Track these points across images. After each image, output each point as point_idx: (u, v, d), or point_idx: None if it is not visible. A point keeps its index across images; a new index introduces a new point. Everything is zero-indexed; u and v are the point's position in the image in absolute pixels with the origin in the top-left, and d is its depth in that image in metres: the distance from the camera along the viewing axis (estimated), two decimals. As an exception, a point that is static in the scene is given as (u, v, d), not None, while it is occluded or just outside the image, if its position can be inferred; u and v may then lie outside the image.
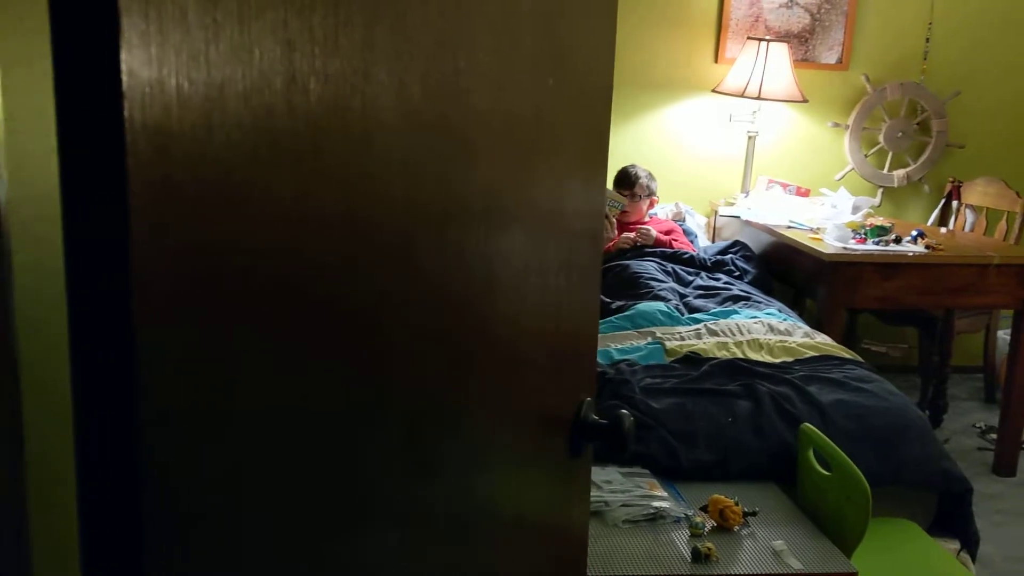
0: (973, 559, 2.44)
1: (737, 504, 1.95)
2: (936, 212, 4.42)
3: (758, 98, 3.96)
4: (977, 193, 4.24)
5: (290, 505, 0.54)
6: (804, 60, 4.26)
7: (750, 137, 4.17)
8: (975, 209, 4.26)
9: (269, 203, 0.48)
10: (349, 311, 0.58)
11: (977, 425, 3.97)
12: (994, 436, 3.70)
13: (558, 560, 1.14)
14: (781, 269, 3.71)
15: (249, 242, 0.47)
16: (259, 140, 0.47)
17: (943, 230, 4.17)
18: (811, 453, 2.13)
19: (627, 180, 3.80)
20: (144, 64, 0.38)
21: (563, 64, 0.91)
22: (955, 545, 2.40)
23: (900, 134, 4.36)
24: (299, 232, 0.52)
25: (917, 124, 4.38)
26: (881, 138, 4.36)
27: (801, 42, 4.26)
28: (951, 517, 2.39)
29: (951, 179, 4.37)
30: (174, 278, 0.41)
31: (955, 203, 4.33)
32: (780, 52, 3.97)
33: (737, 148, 4.26)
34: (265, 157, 0.47)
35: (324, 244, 0.54)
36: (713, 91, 4.16)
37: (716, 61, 4.22)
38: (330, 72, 0.52)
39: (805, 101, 4.08)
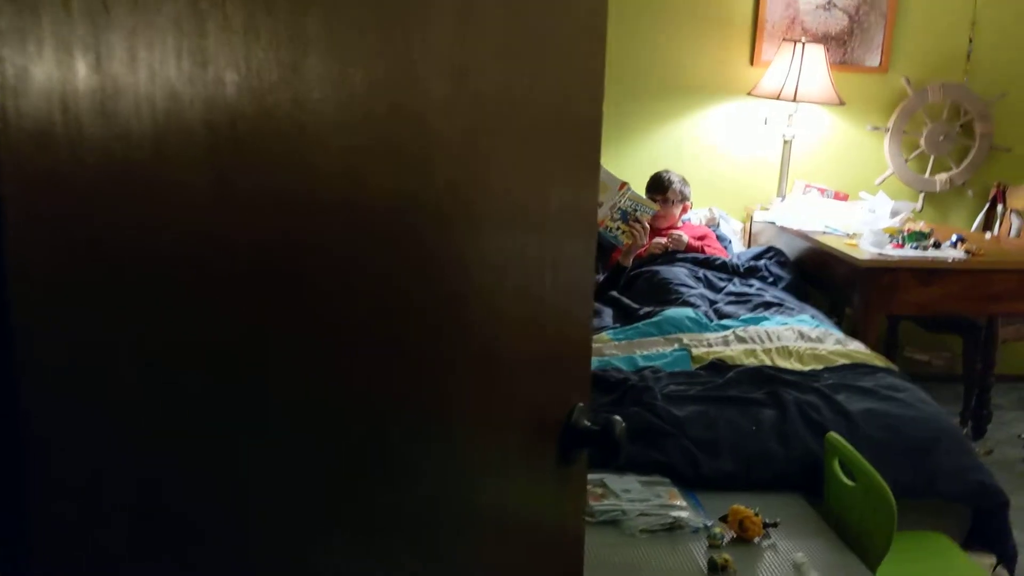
0: (1011, 574, 2.36)
1: (757, 515, 1.91)
2: (980, 217, 4.30)
3: (794, 100, 3.89)
4: (1023, 198, 4.11)
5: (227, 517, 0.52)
6: (843, 63, 4.17)
7: (786, 141, 4.10)
8: (1021, 214, 4.13)
9: (184, 195, 0.47)
10: (292, 308, 0.57)
11: (1023, 436, 3.85)
12: (1040, 448, 3.58)
13: (552, 568, 1.11)
14: (817, 275, 3.63)
15: (160, 235, 0.46)
16: (161, 133, 0.45)
17: (987, 235, 4.06)
18: (837, 463, 2.07)
19: (660, 185, 3.75)
20: (17, 52, 0.37)
21: (541, 48, 0.88)
22: (991, 560, 2.32)
23: (942, 137, 4.25)
24: (224, 225, 0.50)
25: (960, 127, 4.27)
26: (922, 142, 4.26)
27: (839, 44, 4.18)
28: (987, 530, 2.31)
29: (996, 183, 4.25)
30: (55, 267, 0.40)
31: (1000, 208, 4.21)
32: (816, 54, 3.90)
33: (773, 152, 4.19)
34: (172, 150, 0.46)
35: (254, 238, 0.52)
36: (748, 94, 4.10)
37: (752, 64, 4.16)
38: (251, 62, 0.50)
39: (842, 104, 4.00)
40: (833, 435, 2.11)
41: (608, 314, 3.16)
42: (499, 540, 0.93)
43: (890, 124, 4.23)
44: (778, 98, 3.91)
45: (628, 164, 4.01)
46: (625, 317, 3.09)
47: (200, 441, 0.50)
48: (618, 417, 1.07)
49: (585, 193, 1.09)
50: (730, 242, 3.95)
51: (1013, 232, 4.13)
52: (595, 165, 1.12)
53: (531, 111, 0.88)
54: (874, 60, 4.22)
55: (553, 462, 1.05)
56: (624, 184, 3.50)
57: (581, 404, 1.09)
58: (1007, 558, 2.32)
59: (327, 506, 0.63)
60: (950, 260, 3.23)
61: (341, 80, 0.59)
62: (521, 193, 0.89)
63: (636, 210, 3.47)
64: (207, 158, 0.48)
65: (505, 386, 0.91)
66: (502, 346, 0.89)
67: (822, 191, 4.08)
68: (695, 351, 2.68)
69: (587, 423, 1.07)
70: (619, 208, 3.47)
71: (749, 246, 4.10)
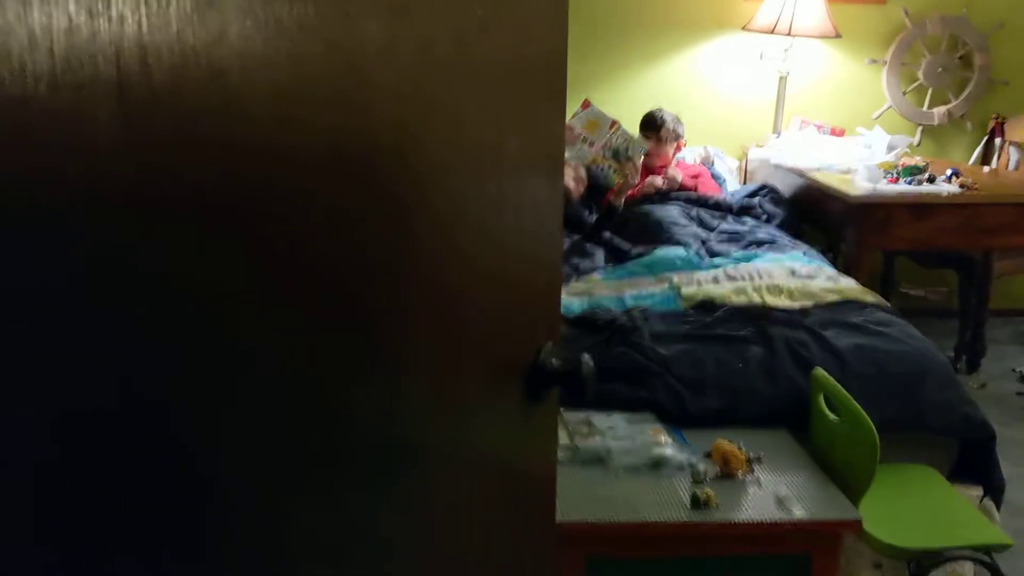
0: (998, 506, 2.38)
1: (741, 450, 1.92)
2: (978, 150, 4.26)
3: (789, 35, 3.83)
4: (1022, 130, 4.07)
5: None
6: (840, -5, 4.10)
7: (782, 76, 4.04)
8: (1020, 147, 4.09)
9: (86, 137, 0.46)
10: (229, 253, 0.56)
11: (1017, 370, 3.86)
12: (1033, 381, 3.59)
13: (520, 503, 1.12)
14: (811, 212, 3.61)
15: (60, 177, 0.45)
16: (59, 72, 0.44)
17: (985, 169, 4.02)
18: (822, 398, 2.08)
19: (652, 124, 3.71)
20: None
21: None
22: (978, 492, 2.34)
23: (940, 70, 4.19)
24: (136, 168, 0.49)
25: (959, 59, 4.21)
26: (920, 74, 4.20)
27: (836, -25, 4.10)
28: (974, 463, 2.33)
29: (995, 116, 4.19)
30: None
31: (998, 140, 4.17)
32: (811, -14, 3.82)
33: (769, 88, 4.13)
34: (68, 91, 0.45)
35: (170, 182, 0.52)
36: (743, 29, 4.03)
37: (746, -2, 4.09)
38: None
39: (838, 37, 3.93)
40: (819, 371, 2.12)
41: (600, 255, 3.15)
42: (466, 474, 0.94)
43: (888, 57, 4.17)
44: (773, 32, 3.85)
45: (620, 102, 3.96)
46: (617, 258, 3.09)
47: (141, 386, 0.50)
48: (586, 356, 1.07)
49: (549, 133, 1.07)
50: (725, 180, 3.92)
51: (1011, 165, 4.09)
52: (560, 104, 1.10)
53: (485, 47, 0.87)
54: (872, -9, 4.14)
55: (520, 400, 1.05)
56: (615, 122, 3.46)
57: (550, 344, 1.09)
58: (993, 490, 2.34)
59: (291, 446, 0.63)
60: (944, 194, 3.20)
61: (266, 17, 0.57)
62: (477, 134, 0.88)
63: (628, 149, 3.44)
64: (110, 99, 0.47)
65: (468, 326, 0.91)
66: (462, 287, 0.89)
67: (819, 127, 4.03)
68: (685, 290, 2.67)
69: (555, 362, 1.07)
70: (610, 147, 3.44)
71: (745, 184, 4.07)
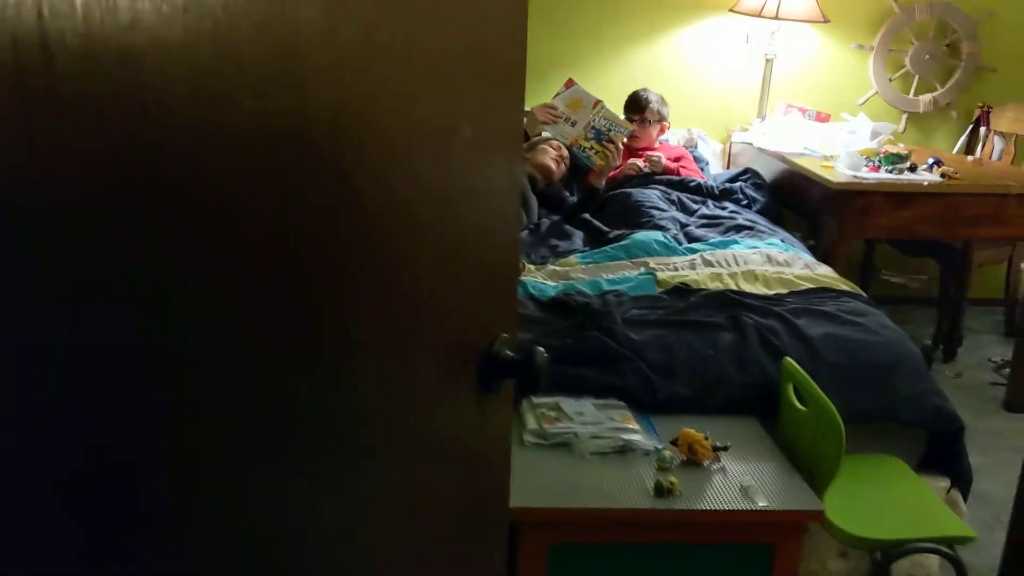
0: (965, 497, 2.39)
1: (707, 438, 1.92)
2: (963, 139, 4.25)
3: (776, 18, 3.80)
4: (1007, 119, 4.06)
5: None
6: (829, -22, 4.07)
7: (768, 60, 4.01)
8: (1004, 136, 4.08)
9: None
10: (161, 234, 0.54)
11: (993, 359, 3.87)
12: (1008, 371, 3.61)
13: (473, 490, 1.11)
14: (792, 198, 3.60)
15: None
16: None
17: (969, 158, 4.02)
18: (791, 388, 2.08)
19: (637, 105, 3.69)
20: None
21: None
22: (945, 483, 2.35)
23: (928, 56, 4.17)
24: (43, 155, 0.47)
25: (947, 46, 4.19)
26: (907, 61, 4.18)
27: (826, -41, 4.06)
28: (942, 454, 2.33)
29: (980, 104, 4.18)
30: None
31: (983, 130, 4.16)
32: (800, -31, 3.79)
33: (755, 71, 4.11)
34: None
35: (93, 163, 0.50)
36: (730, 11, 4.00)
37: (735, -21, 4.05)
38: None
39: (826, 21, 3.91)
40: (789, 361, 2.11)
41: (579, 237, 3.13)
42: (418, 461, 0.93)
43: (875, 42, 4.14)
44: (760, 15, 3.82)
45: (604, 83, 3.93)
46: (595, 240, 3.07)
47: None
48: (540, 348, 1.06)
49: (506, 120, 1.05)
50: (707, 163, 3.90)
51: (995, 155, 4.08)
52: (519, 92, 1.08)
53: (436, 32, 0.84)
54: (861, -24, 4.11)
55: (474, 389, 1.04)
56: (598, 102, 3.43)
57: (505, 335, 1.08)
58: (961, 481, 2.35)
59: (234, 433, 0.62)
60: (925, 184, 3.20)
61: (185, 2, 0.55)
62: (430, 118, 0.86)
63: (610, 130, 3.42)
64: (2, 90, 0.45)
65: (419, 312, 0.89)
66: (414, 271, 0.87)
67: (803, 111, 4.01)
68: (660, 275, 2.66)
69: (509, 353, 1.06)
70: (593, 127, 3.41)
71: (728, 167, 4.06)
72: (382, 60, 0.77)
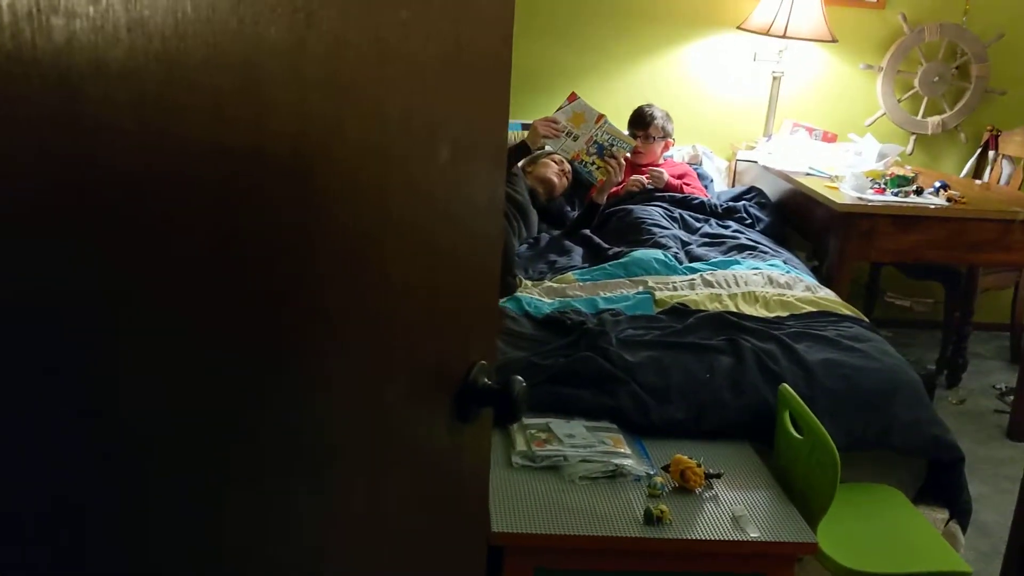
0: (964, 529, 2.34)
1: (700, 465, 1.88)
2: (971, 162, 4.21)
3: (784, 37, 3.77)
4: (1016, 143, 4.02)
5: None
6: (839, -3, 4.04)
7: (775, 78, 3.98)
8: (1013, 160, 4.04)
9: None
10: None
11: (997, 386, 3.82)
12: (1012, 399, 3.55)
13: (450, 517, 1.08)
14: (797, 218, 3.56)
15: None
16: None
17: (977, 182, 3.98)
18: (787, 415, 2.04)
19: (641, 120, 3.66)
20: None
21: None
22: (944, 514, 2.30)
23: (937, 78, 4.13)
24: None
25: (956, 68, 4.15)
26: (916, 82, 4.14)
27: (836, -22, 4.03)
28: (941, 485, 2.29)
29: (989, 127, 4.14)
30: None
31: (992, 153, 4.11)
32: (809, -12, 3.76)
33: (761, 89, 4.08)
34: None
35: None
36: (738, 28, 3.97)
37: (743, -4, 4.02)
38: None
39: (834, 41, 3.87)
40: (786, 388, 2.07)
41: (578, 253, 3.10)
42: (384, 490, 0.90)
43: (884, 63, 4.11)
44: (768, 33, 3.79)
45: (609, 98, 3.91)
46: (594, 257, 3.03)
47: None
48: (519, 378, 1.03)
49: (489, 139, 1.02)
50: (711, 181, 3.87)
51: (1003, 179, 4.04)
52: (503, 110, 1.05)
53: (410, 48, 0.81)
54: (871, -5, 4.07)
55: (448, 419, 1.01)
56: (601, 116, 3.40)
57: (483, 362, 1.05)
58: (960, 513, 2.30)
59: (202, 448, 0.60)
60: (931, 207, 3.15)
61: (137, 16, 0.52)
62: (406, 137, 0.83)
63: (612, 145, 3.38)
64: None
65: (390, 342, 0.86)
66: (381, 301, 0.84)
67: (810, 130, 3.98)
68: (659, 294, 2.62)
69: (487, 382, 1.03)
70: (595, 142, 3.38)
71: (733, 185, 4.02)
72: (351, 80, 0.74)
